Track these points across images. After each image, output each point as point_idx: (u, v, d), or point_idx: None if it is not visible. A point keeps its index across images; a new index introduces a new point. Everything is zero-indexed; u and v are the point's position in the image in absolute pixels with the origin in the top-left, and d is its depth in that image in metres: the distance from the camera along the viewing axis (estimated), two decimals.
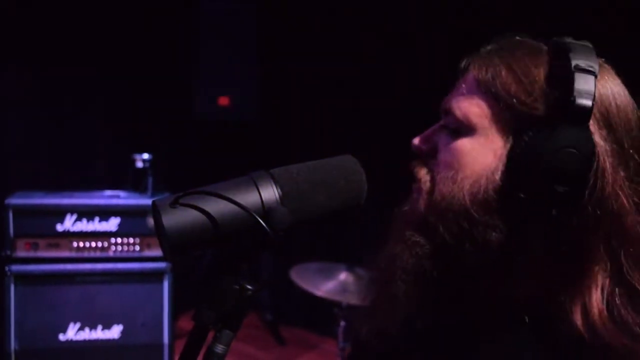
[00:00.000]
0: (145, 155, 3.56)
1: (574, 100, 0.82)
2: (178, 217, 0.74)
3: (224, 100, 4.57)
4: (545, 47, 0.92)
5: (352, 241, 4.27)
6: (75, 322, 3.31)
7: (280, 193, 0.78)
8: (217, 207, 0.75)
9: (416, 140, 1.02)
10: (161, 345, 3.41)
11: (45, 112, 4.38)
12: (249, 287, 0.79)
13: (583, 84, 0.83)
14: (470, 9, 3.81)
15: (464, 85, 0.96)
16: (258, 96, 4.69)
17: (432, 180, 0.96)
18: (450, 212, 0.90)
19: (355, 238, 4.29)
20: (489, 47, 0.98)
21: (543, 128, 0.85)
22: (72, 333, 3.30)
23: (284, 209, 0.76)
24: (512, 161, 0.87)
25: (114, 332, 3.37)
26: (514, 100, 0.88)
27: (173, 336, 3.45)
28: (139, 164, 3.56)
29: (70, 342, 3.30)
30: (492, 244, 0.88)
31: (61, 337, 3.29)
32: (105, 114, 4.56)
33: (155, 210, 0.75)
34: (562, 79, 0.85)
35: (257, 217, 0.74)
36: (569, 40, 0.90)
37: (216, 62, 4.56)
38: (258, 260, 0.81)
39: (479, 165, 0.90)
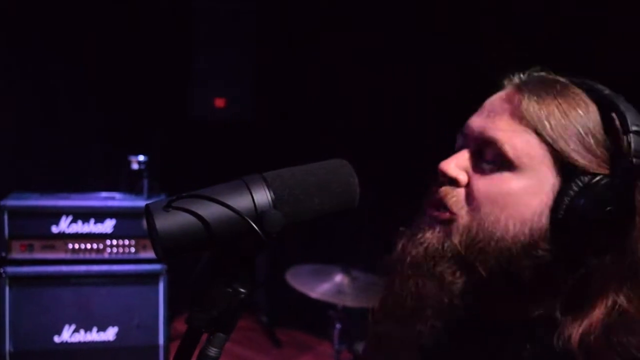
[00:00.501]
0: (141, 157, 3.57)
1: (632, 162, 0.85)
2: (171, 221, 0.74)
3: (220, 102, 4.57)
4: (583, 93, 0.93)
5: (347, 243, 4.27)
6: (70, 324, 3.31)
7: (273, 196, 0.78)
8: (209, 210, 0.75)
9: (449, 169, 0.96)
10: (157, 347, 3.41)
11: (40, 113, 4.37)
12: (242, 290, 0.79)
13: (638, 144, 0.86)
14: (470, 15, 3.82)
15: (509, 116, 0.93)
16: (254, 98, 4.69)
17: (470, 214, 0.93)
18: (491, 252, 0.90)
19: (350, 240, 4.29)
20: (528, 78, 0.99)
21: (595, 181, 0.87)
22: (67, 335, 3.30)
23: (276, 213, 0.76)
24: (560, 210, 0.88)
25: (109, 334, 3.37)
26: (568, 147, 0.89)
27: (168, 338, 3.45)
28: (135, 166, 3.56)
29: (65, 344, 3.30)
30: (524, 279, 0.90)
31: (56, 339, 3.29)
32: (101, 115, 4.55)
33: (148, 213, 0.75)
34: (619, 138, 0.87)
35: (249, 220, 0.74)
36: (609, 92, 0.92)
37: (212, 64, 4.56)
38: (252, 264, 0.81)
39: (525, 207, 0.90)
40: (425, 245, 0.95)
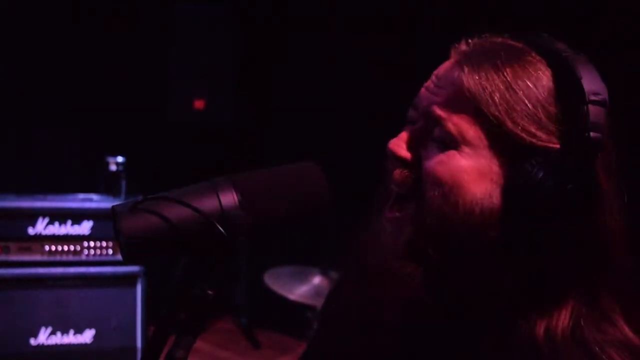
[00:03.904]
0: (119, 159, 3.55)
1: (589, 136, 0.79)
2: (136, 222, 0.74)
3: (199, 104, 4.56)
4: (537, 57, 0.87)
5: (326, 245, 4.27)
6: (46, 327, 3.28)
7: (240, 198, 0.78)
8: (176, 212, 0.75)
9: (398, 148, 0.92)
10: (134, 349, 3.39)
11: (17, 113, 4.33)
12: (209, 292, 0.79)
13: (597, 117, 0.80)
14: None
15: (451, 93, 0.88)
16: (233, 99, 4.68)
17: (420, 195, 0.88)
18: (440, 234, 0.85)
19: (329, 242, 4.29)
20: (472, 45, 0.92)
21: (550, 159, 0.81)
22: (44, 337, 3.27)
23: (242, 215, 0.76)
24: (514, 191, 0.82)
25: (86, 336, 3.34)
26: (517, 127, 0.82)
27: (146, 340, 3.42)
28: (113, 167, 3.54)
29: (41, 347, 3.26)
30: (479, 264, 0.85)
31: (32, 341, 3.25)
32: (79, 115, 4.52)
33: (114, 215, 0.75)
34: (574, 109, 0.81)
35: (214, 222, 0.74)
36: (568, 54, 0.85)
37: (192, 65, 4.54)
38: (220, 265, 0.81)
39: (475, 186, 0.84)
40: (383, 252, 0.91)
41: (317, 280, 3.43)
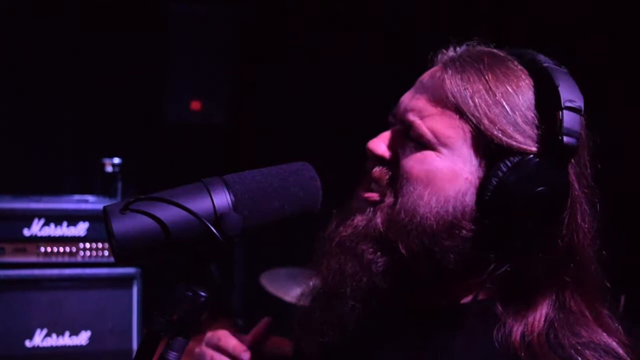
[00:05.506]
0: (116, 160, 3.53)
1: (562, 140, 0.81)
2: (128, 223, 0.73)
3: (195, 105, 4.55)
4: (519, 66, 0.89)
5: None
6: (42, 328, 3.25)
7: (233, 199, 0.77)
8: (168, 213, 0.74)
9: (376, 147, 0.96)
10: (130, 351, 3.36)
11: (12, 115, 4.32)
12: (202, 293, 0.78)
13: (571, 122, 0.82)
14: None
15: (431, 95, 0.90)
16: (229, 101, 4.68)
17: (395, 192, 0.91)
18: (413, 230, 0.87)
19: None
20: (459, 52, 0.95)
21: (524, 161, 0.83)
22: (39, 339, 3.25)
23: (236, 215, 0.75)
24: (487, 191, 0.84)
25: (82, 338, 3.32)
26: (494, 127, 0.85)
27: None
28: (109, 169, 3.53)
29: (36, 349, 3.24)
30: (449, 264, 0.87)
31: (27, 343, 3.23)
32: (75, 117, 4.51)
33: (105, 215, 0.75)
34: (550, 114, 0.83)
35: (207, 223, 0.74)
36: (549, 65, 0.88)
37: (188, 67, 4.54)
38: (213, 267, 0.80)
39: (449, 185, 0.87)
40: (353, 226, 0.94)
41: (314, 282, 3.42)
